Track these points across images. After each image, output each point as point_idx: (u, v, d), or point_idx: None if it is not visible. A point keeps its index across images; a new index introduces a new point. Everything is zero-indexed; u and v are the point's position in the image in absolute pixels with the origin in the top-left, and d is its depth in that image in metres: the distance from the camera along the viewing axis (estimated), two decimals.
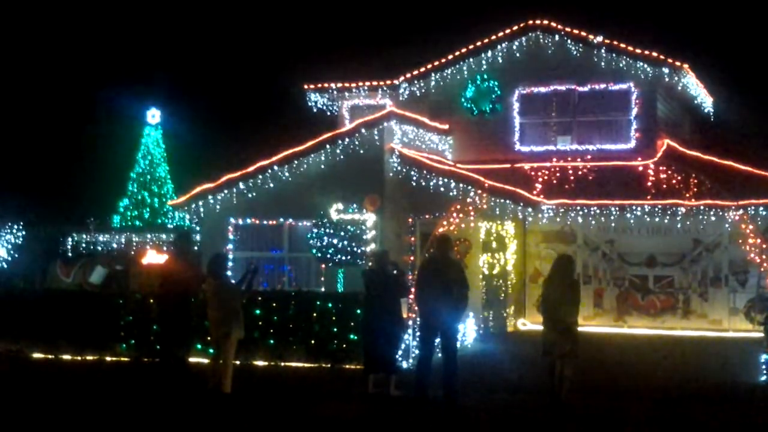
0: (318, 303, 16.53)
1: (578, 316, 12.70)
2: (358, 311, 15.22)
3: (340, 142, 21.68)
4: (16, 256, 29.09)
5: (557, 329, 12.44)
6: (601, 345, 19.14)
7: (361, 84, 26.24)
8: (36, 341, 17.47)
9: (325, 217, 20.24)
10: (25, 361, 16.99)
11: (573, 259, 13.35)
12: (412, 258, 20.70)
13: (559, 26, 24.80)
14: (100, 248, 30.11)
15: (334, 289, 20.33)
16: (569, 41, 24.65)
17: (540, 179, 23.54)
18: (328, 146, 21.68)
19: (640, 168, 23.43)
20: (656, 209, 21.82)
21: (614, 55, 24.30)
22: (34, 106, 44.01)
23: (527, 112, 25.18)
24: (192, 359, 14.06)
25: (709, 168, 23.12)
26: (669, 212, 21.77)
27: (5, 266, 28.63)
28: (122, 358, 16.94)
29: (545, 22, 24.89)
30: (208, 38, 48.30)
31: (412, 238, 21.50)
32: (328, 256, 20.18)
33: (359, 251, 20.03)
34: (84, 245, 30.62)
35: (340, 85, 26.44)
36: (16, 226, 29.64)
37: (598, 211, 22.08)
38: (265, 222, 22.26)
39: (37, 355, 17.31)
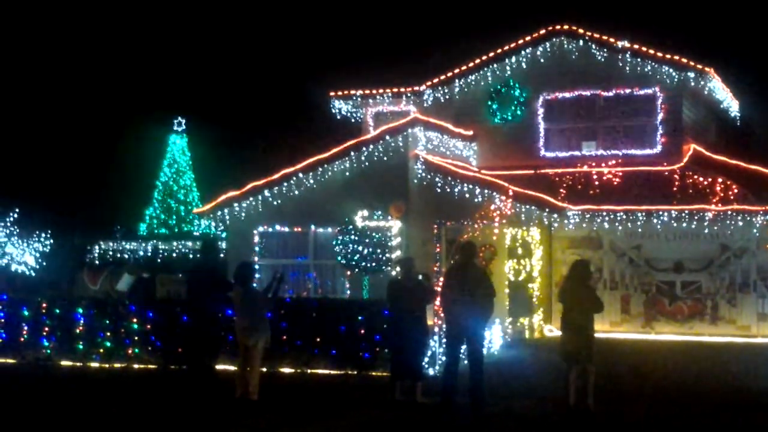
0: (343, 310, 16.53)
1: (593, 321, 12.62)
2: (384, 318, 15.22)
3: (364, 148, 21.71)
4: (45, 264, 29.34)
5: (574, 335, 12.42)
6: (629, 351, 19.04)
7: (385, 91, 26.27)
8: (65, 349, 17.58)
9: (350, 224, 20.26)
10: (54, 369, 17.10)
11: (589, 265, 13.30)
12: (437, 267, 20.67)
13: (584, 31, 24.73)
14: (126, 256, 30.33)
15: (360, 296, 20.33)
16: (594, 46, 24.58)
17: (565, 185, 23.47)
18: (352, 153, 21.71)
19: (667, 173, 23.32)
20: (683, 214, 21.70)
21: (639, 59, 24.22)
22: (61, 116, 44.38)
23: (552, 117, 25.13)
24: (219, 367, 14.10)
25: (736, 172, 22.96)
26: (696, 217, 21.65)
27: (34, 274, 28.87)
28: (149, 366, 17.01)
29: (569, 27, 24.84)
30: (233, 47, 48.54)
31: (437, 247, 21.47)
32: (354, 263, 20.20)
33: (384, 258, 20.04)
34: (111, 253, 30.85)
35: (364, 92, 26.50)
36: (44, 235, 29.89)
37: (624, 217, 21.98)
38: (290, 229, 22.31)
39: (65, 363, 17.41)
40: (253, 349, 12.98)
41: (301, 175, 21.98)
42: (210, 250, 14.29)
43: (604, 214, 22.11)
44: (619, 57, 24.35)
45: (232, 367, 14.42)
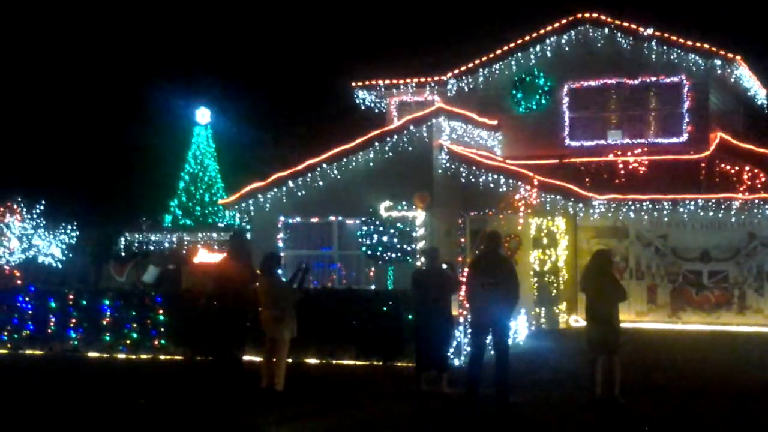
0: (368, 301, 16.53)
1: (618, 311, 12.53)
2: (409, 309, 15.20)
3: (388, 139, 21.68)
4: (71, 256, 29.53)
5: (599, 325, 12.36)
6: (655, 341, 18.94)
7: (408, 80, 26.21)
8: (92, 340, 17.69)
9: (374, 214, 20.25)
10: (81, 360, 17.21)
11: (610, 254, 13.22)
12: (461, 257, 20.61)
13: (609, 19, 24.58)
14: (152, 247, 30.48)
15: (385, 286, 20.32)
16: (619, 34, 24.42)
17: (590, 174, 23.34)
18: (376, 143, 21.68)
19: (693, 161, 23.15)
20: (710, 203, 21.54)
21: (665, 47, 24.04)
22: (86, 108, 44.60)
23: (577, 106, 25.00)
24: (245, 358, 14.12)
25: (764, 160, 22.75)
26: (723, 206, 21.48)
27: (60, 266, 29.07)
28: (175, 357, 17.07)
29: (594, 15, 24.69)
30: (256, 37, 48.58)
31: (462, 239, 21.46)
32: (378, 253, 20.19)
33: (409, 248, 20.01)
34: (137, 245, 31.01)
35: (387, 82, 26.45)
36: (70, 227, 30.07)
37: (650, 206, 21.84)
38: (314, 220, 22.33)
39: (92, 354, 17.52)
40: (279, 340, 12.99)
41: (325, 165, 21.99)
42: (239, 241, 14.18)
43: (630, 203, 21.97)
44: (645, 45, 24.18)
45: (257, 358, 14.45)
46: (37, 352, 17.82)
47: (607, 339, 12.34)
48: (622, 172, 23.42)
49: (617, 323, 12.54)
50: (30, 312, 18.13)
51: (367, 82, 26.71)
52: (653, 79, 24.29)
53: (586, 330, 12.70)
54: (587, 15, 24.73)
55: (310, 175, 22.12)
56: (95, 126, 44.31)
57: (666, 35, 24.07)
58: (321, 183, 22.10)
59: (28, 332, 18.09)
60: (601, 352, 12.37)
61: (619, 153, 24.03)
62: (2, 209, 28.76)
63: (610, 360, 12.35)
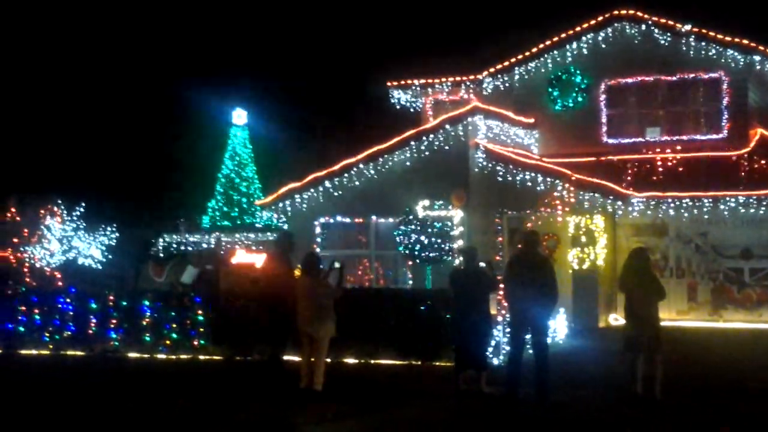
0: (406, 300, 16.51)
1: (658, 309, 12.40)
2: (447, 308, 15.17)
3: (424, 138, 21.66)
4: (110, 257, 29.76)
5: (638, 323, 12.24)
6: (696, 340, 18.75)
7: (444, 79, 26.16)
8: (132, 341, 17.83)
9: (411, 213, 20.23)
10: (121, 360, 17.35)
11: (647, 252, 13.10)
12: (499, 257, 20.53)
13: (646, 15, 24.38)
14: (190, 248, 30.62)
15: (422, 285, 20.29)
16: (656, 30, 24.22)
17: (629, 171, 23.16)
18: (412, 143, 21.67)
19: (733, 158, 22.90)
20: (750, 200, 21.30)
21: (703, 43, 23.82)
22: (125, 110, 44.99)
23: (614, 103, 24.83)
24: (284, 358, 14.15)
25: None
26: (764, 203, 21.24)
27: (100, 267, 29.31)
28: (215, 357, 17.16)
29: (631, 11, 24.50)
30: (292, 37, 48.75)
31: (500, 238, 21.39)
32: (415, 252, 20.16)
33: (446, 248, 19.97)
34: (175, 246, 31.18)
35: (423, 81, 26.41)
36: (109, 228, 30.32)
37: (690, 203, 21.64)
38: (351, 220, 22.35)
39: (133, 355, 17.66)
40: (318, 339, 13.00)
41: (361, 165, 22.02)
42: (286, 242, 14.05)
43: (669, 200, 21.78)
44: (683, 41, 23.97)
45: (295, 358, 14.48)
46: (78, 353, 17.98)
47: (647, 338, 12.22)
48: (661, 169, 23.21)
49: (657, 322, 12.43)
50: (71, 313, 18.31)
51: (402, 82, 26.69)
52: (691, 75, 24.07)
53: (625, 328, 12.60)
54: (624, 12, 24.55)
55: (346, 175, 22.16)
56: (134, 128, 44.69)
57: (704, 31, 23.84)
58: (357, 183, 22.12)
59: (69, 333, 18.27)
60: (640, 350, 12.26)
61: (658, 150, 23.83)
62: (43, 211, 29.04)
63: (651, 359, 12.24)
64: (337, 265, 13.81)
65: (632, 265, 12.55)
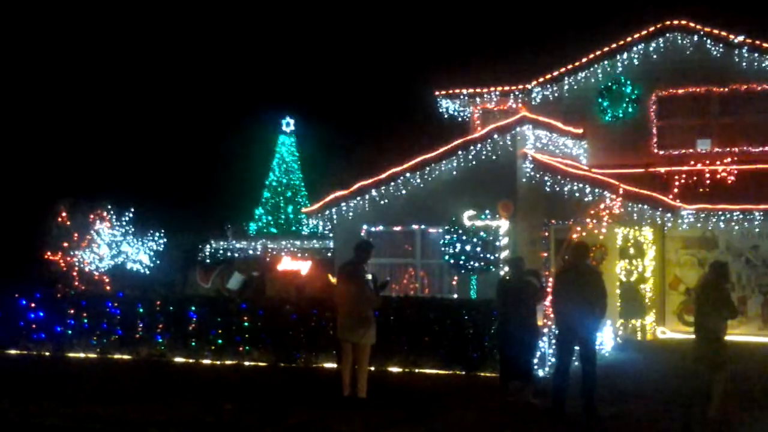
0: (451, 310, 16.45)
1: (726, 326, 12.04)
2: (492, 318, 15.09)
3: (472, 147, 21.58)
4: (158, 262, 30.01)
5: (705, 339, 11.90)
6: (746, 354, 18.44)
7: (492, 89, 26.05)
8: (178, 346, 17.96)
9: (457, 223, 20.16)
10: (168, 365, 17.47)
11: (728, 267, 12.71)
12: (547, 271, 20.37)
13: (698, 26, 24.09)
14: (237, 255, 30.81)
15: (467, 295, 20.21)
16: (709, 41, 23.93)
17: (679, 183, 22.88)
18: (460, 152, 21.60)
19: None
20: None
21: (756, 54, 23.49)
22: (175, 117, 45.44)
23: (665, 114, 24.57)
24: (327, 365, 14.18)
25: None
26: None
27: (148, 272, 29.56)
28: (260, 363, 17.22)
29: (683, 22, 24.23)
30: (341, 46, 48.92)
31: (546, 249, 21.26)
32: (461, 262, 20.09)
33: (492, 258, 19.87)
34: (221, 252, 31.38)
35: (471, 90, 26.33)
36: (157, 234, 30.58)
37: (740, 216, 21.31)
38: (397, 228, 22.33)
39: (178, 359, 17.78)
40: (361, 347, 12.98)
41: (408, 174, 21.99)
42: (364, 251, 13.75)
43: (720, 213, 21.47)
44: (735, 52, 23.66)
45: (333, 365, 14.48)
46: (125, 357, 18.15)
47: (712, 354, 11.83)
48: (711, 181, 22.90)
49: (724, 339, 12.01)
50: (118, 317, 18.50)
51: (450, 91, 26.63)
52: (744, 86, 23.74)
53: (694, 345, 12.13)
54: (676, 22, 24.29)
55: (393, 183, 22.14)
56: (184, 135, 45.12)
57: (757, 42, 23.51)
58: (404, 192, 22.10)
59: (116, 337, 18.45)
60: (705, 367, 11.86)
61: (708, 162, 23.52)
62: (93, 216, 29.36)
63: (712, 376, 11.83)
64: (386, 279, 13.83)
65: (712, 279, 12.11)
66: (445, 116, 27.29)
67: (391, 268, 22.31)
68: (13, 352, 18.85)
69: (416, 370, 16.12)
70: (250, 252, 31.17)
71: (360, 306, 12.98)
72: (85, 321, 18.65)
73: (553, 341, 14.14)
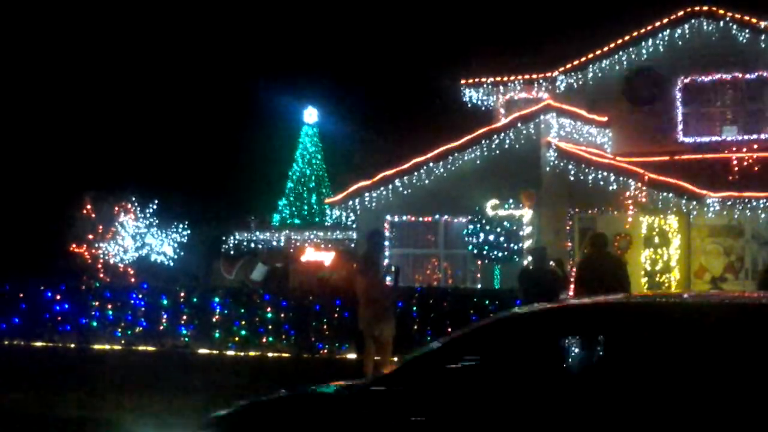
0: (475, 300, 16.39)
1: None
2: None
3: (495, 136, 21.45)
4: (182, 254, 30.15)
5: None
6: None
7: (516, 78, 25.86)
8: (202, 337, 18.01)
9: (480, 213, 20.06)
10: (192, 356, 17.52)
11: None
12: (571, 262, 20.24)
13: (724, 12, 23.80)
14: (260, 246, 30.89)
15: (491, 285, 20.12)
16: (735, 27, 23.64)
17: (704, 171, 22.64)
18: (483, 141, 21.48)
19: None
20: None
21: None
22: (198, 109, 45.55)
23: (690, 101, 24.31)
24: (350, 356, 14.15)
25: None
26: None
27: (172, 264, 29.72)
28: (283, 355, 17.23)
29: (709, 7, 23.94)
30: (364, 35, 48.81)
31: (570, 238, 21.12)
32: (484, 252, 20.00)
33: (516, 248, 19.76)
34: (245, 243, 31.47)
35: (495, 79, 26.15)
36: (181, 226, 30.72)
37: (767, 204, 21.07)
38: (420, 218, 22.27)
39: (202, 351, 17.82)
40: (383, 340, 12.95)
41: (431, 164, 21.90)
42: (377, 240, 13.67)
43: (746, 201, 21.23)
44: (762, 38, 23.35)
45: (352, 355, 14.44)
46: (149, 348, 18.21)
47: None
48: (738, 169, 22.64)
49: None
50: (143, 309, 18.58)
51: (474, 80, 26.45)
52: None
53: None
54: (701, 8, 24.00)
55: (416, 173, 22.06)
56: (207, 127, 45.22)
57: None
58: (427, 182, 22.01)
59: (140, 328, 18.53)
60: None
61: (735, 149, 23.26)
62: (117, 208, 29.53)
63: None
64: (392, 268, 13.77)
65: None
66: (469, 105, 27.13)
67: (414, 259, 22.25)
68: (38, 344, 18.97)
69: None
70: (274, 243, 31.24)
71: (374, 297, 12.92)
72: (110, 313, 18.74)
73: None
